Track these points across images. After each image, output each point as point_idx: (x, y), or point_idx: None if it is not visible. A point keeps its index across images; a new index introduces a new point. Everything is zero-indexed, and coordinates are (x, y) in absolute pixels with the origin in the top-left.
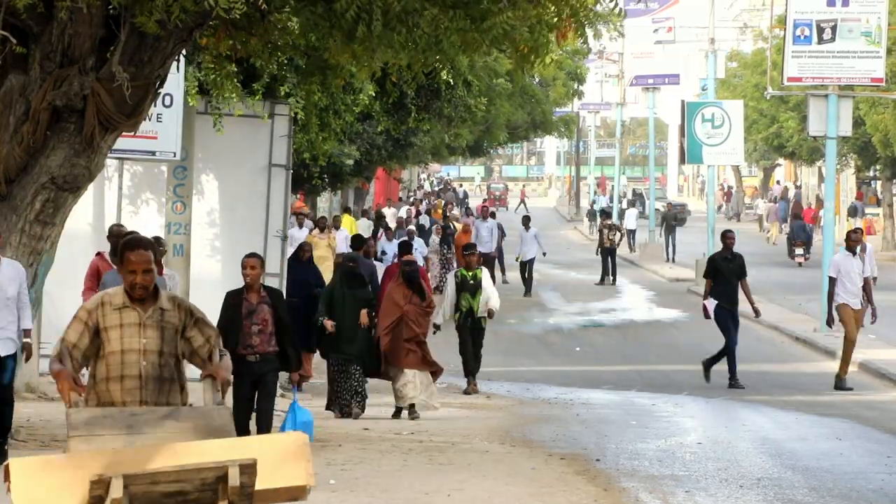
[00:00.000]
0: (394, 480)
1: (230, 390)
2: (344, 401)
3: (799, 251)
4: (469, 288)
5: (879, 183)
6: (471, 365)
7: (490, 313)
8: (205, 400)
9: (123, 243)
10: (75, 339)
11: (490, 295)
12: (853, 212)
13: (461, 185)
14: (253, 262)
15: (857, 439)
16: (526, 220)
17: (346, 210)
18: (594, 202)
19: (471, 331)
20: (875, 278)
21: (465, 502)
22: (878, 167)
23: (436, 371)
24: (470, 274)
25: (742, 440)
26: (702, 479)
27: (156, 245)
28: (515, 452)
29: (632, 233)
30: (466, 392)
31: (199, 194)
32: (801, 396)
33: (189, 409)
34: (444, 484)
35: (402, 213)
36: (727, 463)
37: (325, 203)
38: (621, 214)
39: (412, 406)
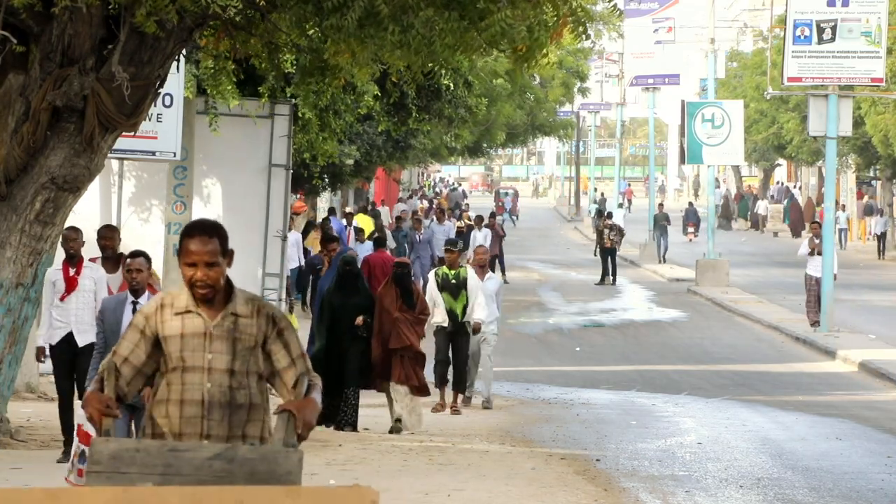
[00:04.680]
0: (394, 480)
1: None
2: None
3: (690, 230)
4: (450, 288)
5: (879, 183)
6: (452, 377)
7: (476, 328)
8: (274, 438)
9: (183, 229)
10: (127, 351)
11: (474, 302)
12: (870, 211)
13: (459, 185)
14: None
15: (857, 439)
16: (479, 220)
17: (362, 210)
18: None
19: (451, 336)
20: (835, 275)
21: (465, 502)
22: (878, 167)
23: (420, 389)
24: (452, 273)
25: (742, 440)
26: (702, 479)
27: (225, 231)
28: (515, 452)
29: None
30: (434, 409)
31: (199, 194)
32: (801, 396)
33: (248, 450)
34: (444, 484)
35: (406, 208)
36: (727, 463)
37: (325, 203)
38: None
39: (398, 420)
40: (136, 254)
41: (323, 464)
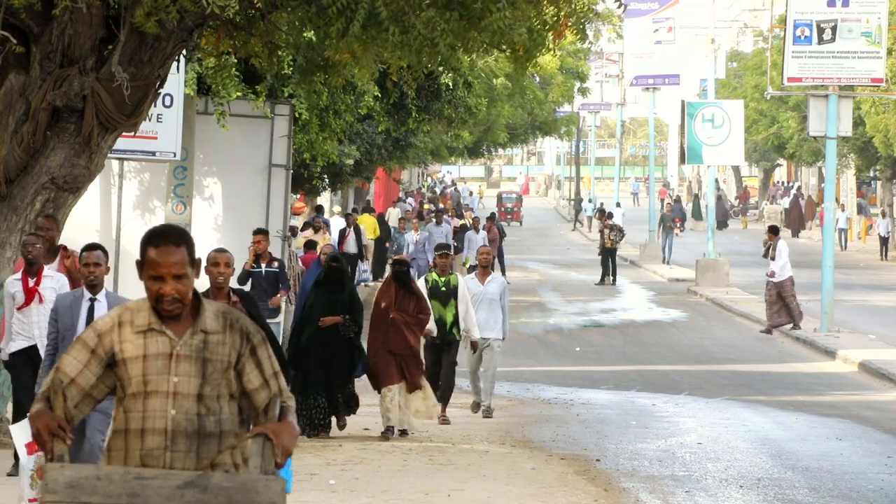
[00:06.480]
0: (394, 480)
1: None
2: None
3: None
4: (440, 296)
5: (879, 183)
6: (441, 388)
7: (473, 346)
8: (250, 466)
9: (145, 237)
10: (74, 371)
11: (465, 315)
12: (859, 210)
13: (455, 185)
14: (227, 259)
15: (857, 439)
16: (475, 222)
17: (364, 209)
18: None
19: (440, 347)
20: (790, 277)
21: (465, 502)
22: (878, 167)
23: (415, 385)
24: (442, 280)
25: (742, 440)
26: (702, 479)
27: (192, 239)
28: (515, 452)
29: None
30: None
31: (200, 194)
32: (801, 396)
33: (223, 477)
34: (444, 484)
35: (408, 207)
36: (727, 463)
37: (326, 203)
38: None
39: (392, 428)
40: (93, 246)
41: (323, 464)
